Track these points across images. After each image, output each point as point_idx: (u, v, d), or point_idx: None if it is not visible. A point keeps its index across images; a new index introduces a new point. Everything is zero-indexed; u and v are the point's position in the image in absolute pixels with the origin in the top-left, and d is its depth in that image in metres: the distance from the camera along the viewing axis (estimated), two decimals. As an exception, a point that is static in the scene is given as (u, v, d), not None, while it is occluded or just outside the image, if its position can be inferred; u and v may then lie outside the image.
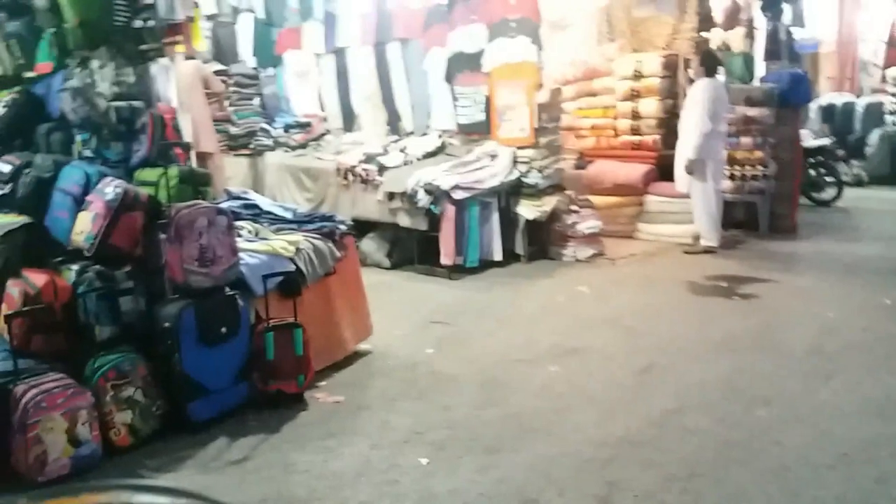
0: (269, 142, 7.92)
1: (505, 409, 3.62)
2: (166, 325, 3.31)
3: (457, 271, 6.12)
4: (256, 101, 8.51)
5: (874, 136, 11.27)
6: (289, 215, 4.40)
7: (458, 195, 6.04)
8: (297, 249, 3.92)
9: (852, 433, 3.29)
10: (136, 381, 3.24)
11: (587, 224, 6.68)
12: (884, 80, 13.02)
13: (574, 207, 6.75)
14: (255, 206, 4.45)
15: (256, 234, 4.05)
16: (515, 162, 6.59)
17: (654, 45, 8.13)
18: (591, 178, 7.69)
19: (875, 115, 11.86)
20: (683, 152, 6.70)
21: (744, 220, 7.59)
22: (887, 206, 9.33)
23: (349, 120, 8.20)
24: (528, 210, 6.49)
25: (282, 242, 3.93)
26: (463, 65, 7.00)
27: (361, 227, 5.96)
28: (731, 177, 7.50)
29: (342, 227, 4.33)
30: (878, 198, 9.80)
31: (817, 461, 3.05)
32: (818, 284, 5.78)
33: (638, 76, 7.83)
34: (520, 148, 6.62)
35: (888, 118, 11.71)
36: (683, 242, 6.94)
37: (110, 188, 3.36)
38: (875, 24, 14.31)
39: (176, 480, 3.00)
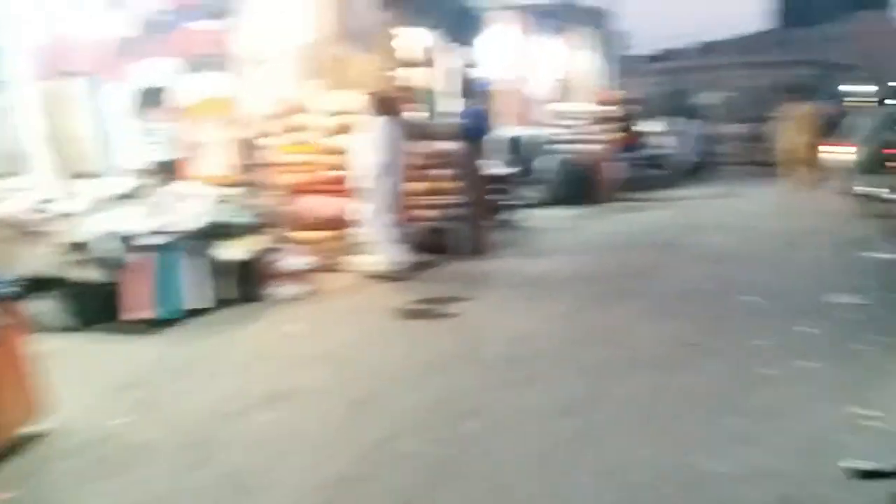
0: None
1: (216, 470, 3.35)
2: None
3: (155, 325, 5.56)
4: None
5: (548, 163, 12.87)
6: (-71, 281, 3.65)
7: (151, 240, 5.57)
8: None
9: (548, 432, 3.60)
10: None
11: (297, 261, 6.60)
12: (552, 114, 14.93)
13: (283, 245, 6.63)
14: None
15: None
16: (218, 201, 6.28)
17: (355, 84, 8.37)
18: (298, 213, 7.63)
19: (548, 144, 13.56)
20: (363, 185, 7.06)
21: (442, 244, 8.08)
22: (561, 223, 10.63)
23: (16, 162, 7.15)
24: (234, 251, 6.21)
25: (-84, 315, 3.24)
26: (153, 100, 6.54)
27: (33, 286, 5.14)
28: (427, 206, 7.97)
29: (3, 288, 3.71)
30: (554, 217, 11.12)
31: (521, 463, 3.28)
32: (511, 298, 6.35)
33: (340, 113, 8.00)
34: (222, 186, 6.33)
35: (558, 147, 13.45)
36: (383, 271, 7.12)
37: None
38: (545, 64, 16.38)
39: None
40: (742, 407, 3.80)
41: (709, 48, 47.74)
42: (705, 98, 28.90)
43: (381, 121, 7.10)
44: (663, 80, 36.53)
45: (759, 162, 17.73)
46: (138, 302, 5.49)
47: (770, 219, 10.47)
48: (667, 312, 5.62)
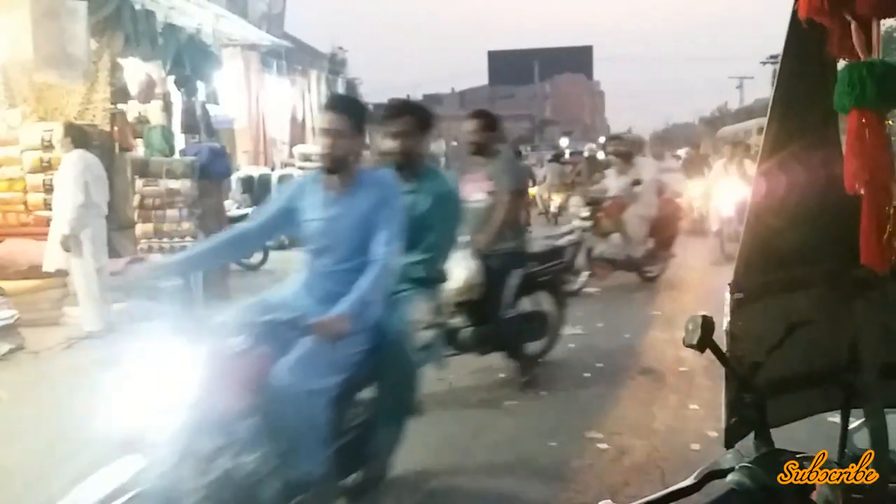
0: None
1: None
2: None
3: None
4: None
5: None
6: None
7: None
8: None
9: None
10: None
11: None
12: (291, 154, 14.84)
13: (-22, 298, 5.66)
14: None
15: None
16: None
17: (64, 115, 7.53)
18: (-1, 260, 6.61)
19: (286, 184, 13.42)
20: (58, 228, 6.24)
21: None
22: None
23: None
24: None
25: None
26: None
27: None
28: (160, 249, 7.39)
29: None
30: (297, 259, 10.92)
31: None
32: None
33: (48, 146, 7.11)
34: None
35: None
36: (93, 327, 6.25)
37: None
38: (280, 104, 16.26)
39: None
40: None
41: (431, 100, 51.28)
42: (433, 147, 31.01)
43: (76, 155, 6.29)
44: (393, 127, 38.28)
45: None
46: None
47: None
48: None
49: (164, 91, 9.55)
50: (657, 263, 8.19)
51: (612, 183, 8.11)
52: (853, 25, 1.09)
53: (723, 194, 9.77)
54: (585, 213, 7.73)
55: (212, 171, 7.98)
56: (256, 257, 9.94)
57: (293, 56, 16.87)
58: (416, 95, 51.46)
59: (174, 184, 7.54)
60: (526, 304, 4.81)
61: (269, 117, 15.60)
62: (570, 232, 7.52)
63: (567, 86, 53.61)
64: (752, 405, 1.14)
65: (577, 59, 60.32)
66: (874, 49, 1.10)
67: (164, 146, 8.22)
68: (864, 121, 1.09)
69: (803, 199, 1.23)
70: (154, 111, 9.01)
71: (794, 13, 1.12)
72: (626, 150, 8.36)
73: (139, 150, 8.22)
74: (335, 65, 21.23)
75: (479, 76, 60.47)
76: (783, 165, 1.22)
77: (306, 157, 14.79)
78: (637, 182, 7.74)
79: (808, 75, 1.18)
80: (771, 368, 1.21)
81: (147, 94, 8.96)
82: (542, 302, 4.98)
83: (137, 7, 8.66)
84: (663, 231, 8.09)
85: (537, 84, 51.18)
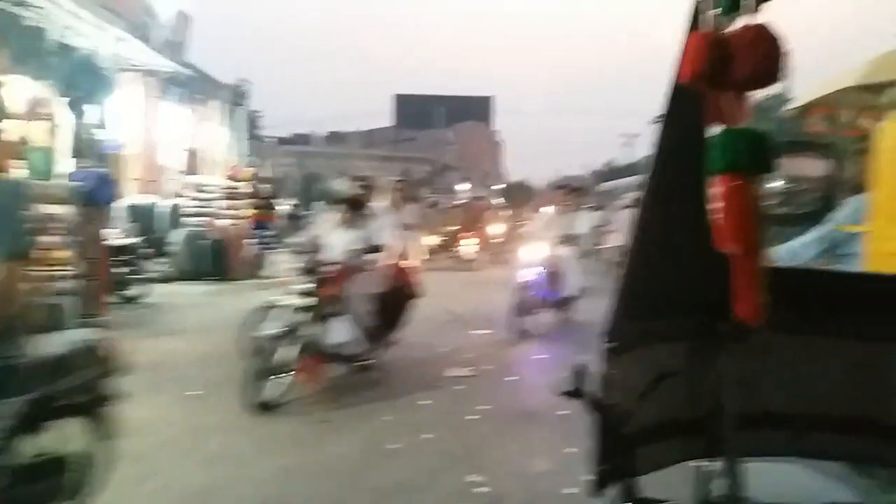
0: None
1: None
2: None
3: None
4: None
5: (177, 236, 12.22)
6: None
7: None
8: None
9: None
10: None
11: None
12: (182, 185, 14.34)
13: None
14: None
15: None
16: None
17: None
18: None
19: (177, 216, 12.92)
20: None
21: (47, 323, 7.03)
22: (191, 300, 10.09)
23: None
24: None
25: None
26: None
27: None
28: (35, 277, 6.90)
29: None
30: (183, 293, 10.52)
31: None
32: (130, 384, 5.69)
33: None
34: None
35: (189, 220, 12.88)
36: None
37: None
38: (174, 132, 15.73)
39: None
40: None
41: (335, 137, 51.05)
42: (336, 184, 30.82)
43: None
44: (293, 162, 37.93)
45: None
46: None
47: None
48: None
49: (51, 111, 9.07)
50: (378, 349, 6.05)
51: (336, 240, 5.73)
52: (728, 94, 1.17)
53: (530, 252, 7.89)
54: (304, 285, 5.40)
55: (97, 197, 7.58)
56: (137, 290, 9.46)
57: (195, 85, 16.47)
58: (320, 132, 51.23)
59: (54, 209, 7.10)
60: (30, 448, 2.66)
61: (164, 145, 15.09)
62: (271, 307, 5.41)
63: (468, 133, 54.88)
64: (621, 453, 1.17)
65: (479, 108, 61.98)
66: (746, 116, 1.18)
67: (45, 169, 7.75)
68: (734, 184, 1.16)
69: (674, 254, 1.30)
70: (38, 132, 8.53)
71: (675, 79, 1.19)
72: (354, 196, 6.08)
73: (19, 172, 7.72)
74: (237, 96, 20.85)
75: (383, 117, 60.93)
76: (657, 221, 1.28)
77: (199, 188, 14.37)
78: (376, 249, 5.72)
79: (685, 138, 1.25)
80: (640, 417, 1.24)
81: (33, 113, 8.48)
82: (70, 438, 2.94)
83: (27, 23, 8.24)
84: (394, 308, 6.19)
85: (440, 129, 52.12)
